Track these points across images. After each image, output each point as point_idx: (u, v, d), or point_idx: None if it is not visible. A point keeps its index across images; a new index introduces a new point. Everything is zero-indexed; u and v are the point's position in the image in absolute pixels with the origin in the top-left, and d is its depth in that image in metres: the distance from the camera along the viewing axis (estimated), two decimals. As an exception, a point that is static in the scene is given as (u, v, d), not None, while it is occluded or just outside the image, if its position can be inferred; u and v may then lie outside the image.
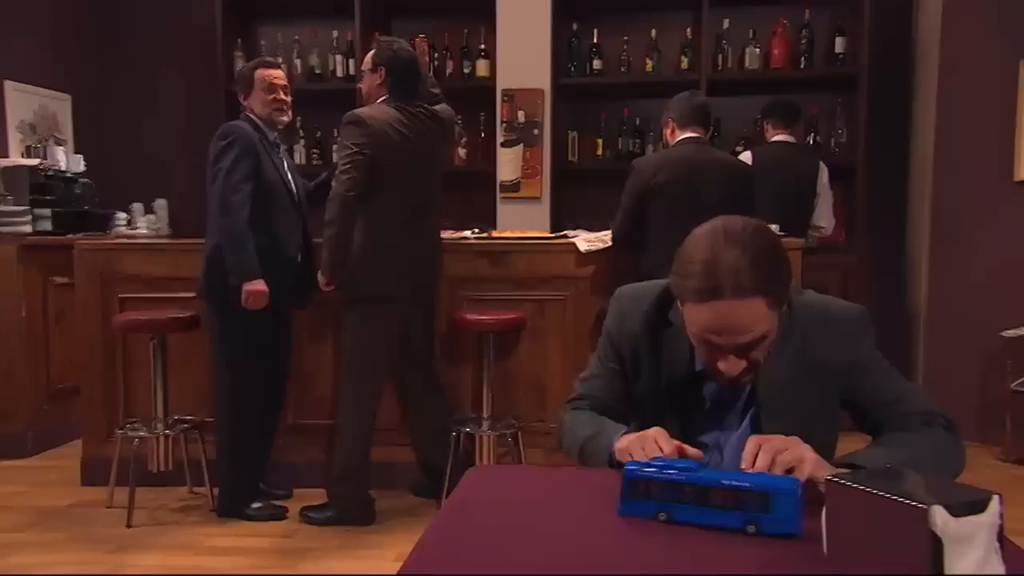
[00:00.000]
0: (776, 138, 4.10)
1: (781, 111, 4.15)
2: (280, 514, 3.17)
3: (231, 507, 3.17)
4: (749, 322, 1.21)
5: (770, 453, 1.12)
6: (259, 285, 2.99)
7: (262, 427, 3.22)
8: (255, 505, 3.18)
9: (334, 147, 5.17)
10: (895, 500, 0.79)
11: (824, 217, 4.09)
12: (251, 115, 3.16)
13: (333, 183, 2.97)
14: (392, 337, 3.11)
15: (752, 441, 1.15)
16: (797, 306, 1.37)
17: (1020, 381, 3.87)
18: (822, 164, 4.09)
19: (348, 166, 2.92)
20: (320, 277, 3.04)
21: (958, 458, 1.31)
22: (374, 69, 3.09)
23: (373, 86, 3.11)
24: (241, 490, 3.19)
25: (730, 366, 1.26)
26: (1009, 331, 3.89)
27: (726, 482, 1.06)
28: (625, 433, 1.33)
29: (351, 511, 3.11)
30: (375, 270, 3.01)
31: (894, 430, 1.32)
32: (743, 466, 1.13)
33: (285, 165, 3.22)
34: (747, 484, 1.05)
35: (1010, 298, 4.05)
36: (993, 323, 4.00)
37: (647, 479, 1.11)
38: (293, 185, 3.21)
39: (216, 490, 3.24)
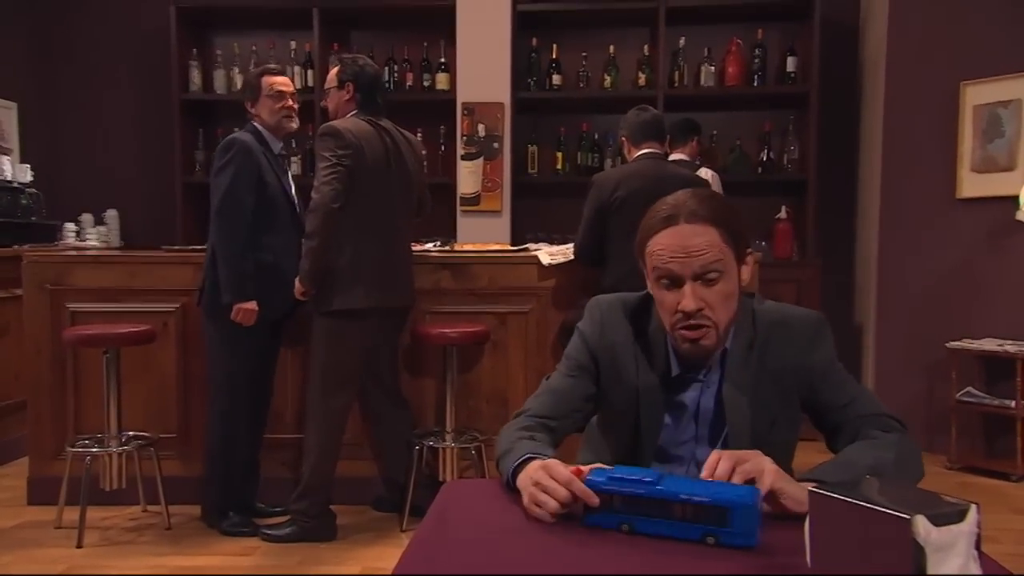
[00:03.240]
0: (671, 157, 4.06)
1: (672, 130, 4.06)
2: (253, 532, 3.09)
3: (215, 518, 3.14)
4: (702, 244, 1.32)
5: (731, 462, 1.15)
6: (250, 304, 2.96)
7: (249, 442, 3.18)
8: (235, 518, 3.11)
9: (293, 159, 5.13)
10: (878, 510, 0.81)
11: None
12: (258, 125, 3.13)
13: (313, 195, 2.92)
14: (362, 352, 3.08)
15: (714, 453, 1.18)
16: (758, 315, 1.44)
17: (965, 391, 4.01)
18: (703, 170, 3.98)
19: (331, 178, 2.88)
20: (297, 286, 2.99)
21: (918, 464, 1.34)
22: (340, 86, 3.07)
23: (341, 102, 3.09)
24: (225, 500, 3.13)
25: (689, 300, 1.32)
26: (953, 342, 4.03)
27: (684, 496, 1.08)
28: (530, 458, 1.27)
29: (313, 527, 3.06)
30: (350, 284, 2.97)
31: (850, 434, 1.36)
32: (703, 475, 1.15)
33: (289, 178, 3.19)
34: (706, 498, 1.07)
35: (954, 311, 4.20)
36: (938, 335, 4.14)
37: (609, 491, 1.13)
38: (296, 199, 3.17)
39: (192, 506, 3.21)
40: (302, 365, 3.42)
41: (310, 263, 2.94)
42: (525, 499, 1.20)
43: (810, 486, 1.14)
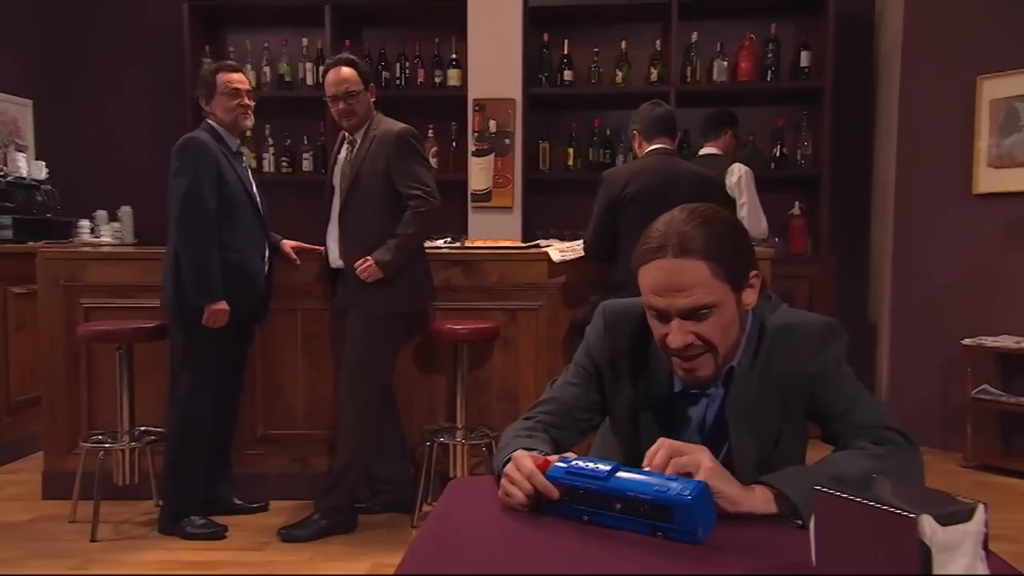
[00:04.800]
0: (702, 151, 4.08)
1: (704, 123, 4.09)
2: (219, 533, 3.04)
3: (170, 525, 3.07)
4: (688, 283, 1.25)
5: (667, 455, 1.15)
6: (221, 305, 2.93)
7: (213, 444, 3.14)
8: (198, 521, 3.05)
9: (304, 155, 5.15)
10: (884, 509, 0.80)
11: (746, 220, 3.75)
12: (213, 123, 3.09)
13: (414, 203, 2.95)
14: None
15: (658, 442, 1.19)
16: (768, 322, 1.38)
17: (980, 388, 3.97)
18: (736, 166, 3.90)
19: (434, 182, 3.02)
20: (373, 269, 2.95)
21: (911, 479, 1.23)
22: (367, 87, 3.06)
23: (368, 103, 3.08)
24: (183, 507, 3.07)
25: (675, 337, 1.27)
26: (969, 339, 3.99)
27: (631, 493, 1.09)
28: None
29: (340, 520, 3.08)
30: (419, 286, 3.11)
31: (845, 445, 1.31)
32: (644, 464, 1.16)
33: (249, 175, 3.17)
34: (648, 496, 1.07)
35: (970, 307, 4.16)
36: (954, 332, 4.10)
37: (565, 485, 1.15)
38: (257, 196, 3.15)
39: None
40: (312, 363, 3.44)
41: (406, 257, 3.00)
42: (499, 491, 1.23)
43: (763, 491, 1.16)
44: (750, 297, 1.34)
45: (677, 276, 1.25)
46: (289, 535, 3.03)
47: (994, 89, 4.09)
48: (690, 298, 1.25)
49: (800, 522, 1.10)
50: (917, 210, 4.37)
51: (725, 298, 1.28)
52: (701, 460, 1.15)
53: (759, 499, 1.15)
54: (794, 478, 1.17)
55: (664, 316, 1.29)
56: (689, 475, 1.12)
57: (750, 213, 3.84)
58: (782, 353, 1.36)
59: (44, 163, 4.81)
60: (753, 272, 1.33)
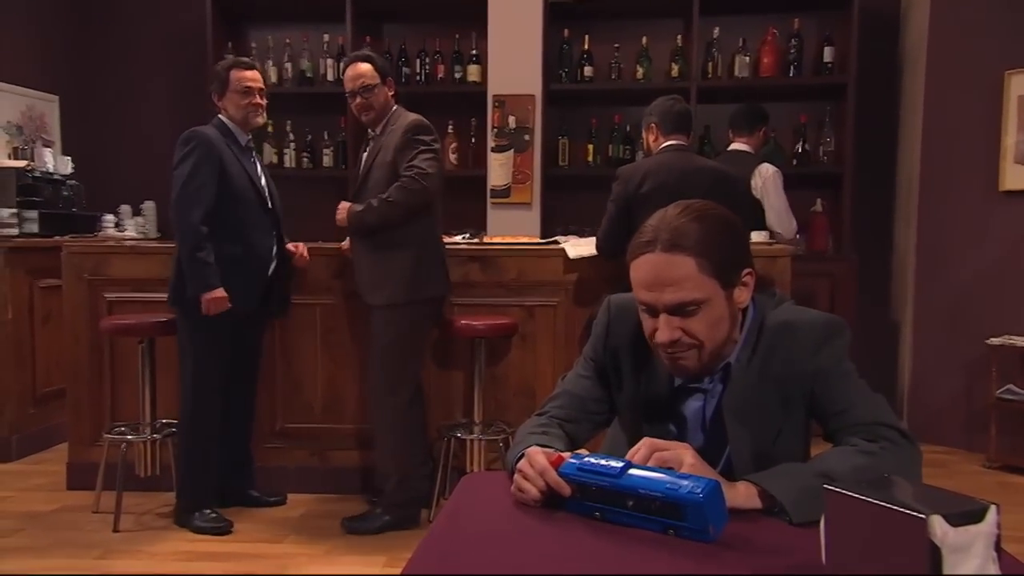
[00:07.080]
0: (731, 147, 4.05)
1: (735, 118, 4.06)
2: (225, 528, 3.05)
3: (183, 517, 3.09)
4: (675, 278, 1.25)
5: (649, 451, 1.16)
6: (218, 292, 2.92)
7: (222, 435, 3.14)
8: (209, 514, 3.06)
9: (325, 151, 5.17)
10: (894, 510, 0.80)
11: (775, 222, 3.77)
12: (224, 118, 3.11)
13: (416, 176, 2.91)
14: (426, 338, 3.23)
15: (641, 441, 1.19)
16: (769, 319, 1.37)
17: (1005, 388, 3.91)
18: (763, 167, 3.85)
19: (437, 168, 2.99)
20: (341, 212, 3.01)
21: (903, 472, 1.17)
22: (384, 81, 3.08)
23: (387, 97, 3.10)
24: (195, 499, 3.09)
25: (662, 332, 1.28)
26: (994, 339, 3.93)
27: (642, 490, 1.09)
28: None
29: (406, 515, 3.11)
30: (437, 272, 3.10)
31: (838, 443, 1.29)
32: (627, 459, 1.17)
33: (258, 170, 3.17)
34: (659, 493, 1.07)
35: (995, 306, 4.10)
36: (978, 331, 4.04)
37: (577, 481, 1.15)
38: (266, 190, 3.16)
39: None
40: (331, 357, 3.46)
41: (375, 220, 2.95)
42: (512, 487, 1.23)
43: (746, 487, 1.17)
44: (742, 295, 1.33)
45: (665, 271, 1.26)
46: (351, 527, 3.06)
47: (1022, 85, 4.02)
48: (677, 293, 1.26)
49: (788, 518, 1.11)
50: (942, 207, 4.31)
51: (713, 295, 1.28)
52: (683, 457, 1.15)
53: (741, 495, 1.15)
54: (780, 475, 1.17)
55: (652, 310, 1.29)
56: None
57: (779, 216, 3.79)
58: (781, 350, 1.35)
59: (70, 158, 4.88)
60: (747, 271, 1.33)
